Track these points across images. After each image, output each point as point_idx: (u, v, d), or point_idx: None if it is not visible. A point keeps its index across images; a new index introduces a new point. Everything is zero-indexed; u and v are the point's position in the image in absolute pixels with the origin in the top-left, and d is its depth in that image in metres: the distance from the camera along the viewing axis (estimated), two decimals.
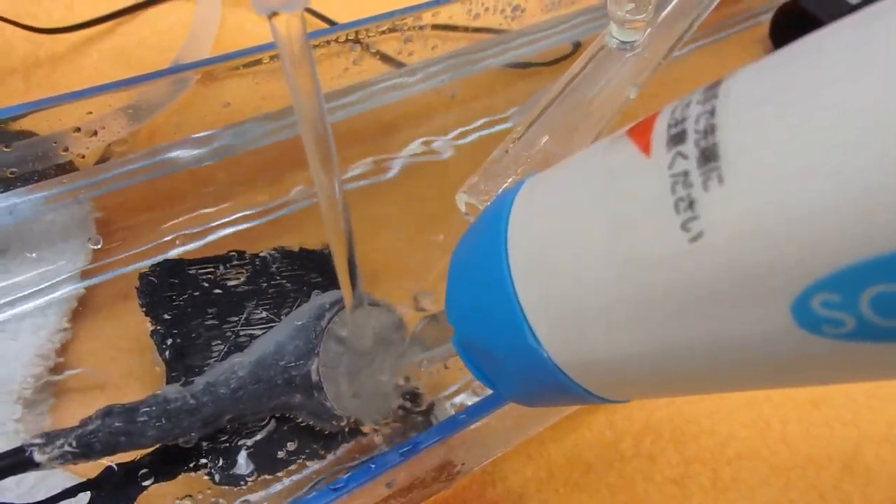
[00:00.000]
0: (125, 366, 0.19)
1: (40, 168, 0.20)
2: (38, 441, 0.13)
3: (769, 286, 0.08)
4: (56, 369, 0.19)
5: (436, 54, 0.25)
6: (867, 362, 0.08)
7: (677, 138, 0.09)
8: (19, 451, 0.13)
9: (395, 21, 0.22)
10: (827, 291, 0.08)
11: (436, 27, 0.24)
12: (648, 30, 0.20)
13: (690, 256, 0.09)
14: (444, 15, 0.24)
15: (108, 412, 0.14)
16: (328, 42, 0.22)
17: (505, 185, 0.19)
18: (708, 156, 0.09)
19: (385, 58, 0.24)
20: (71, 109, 0.20)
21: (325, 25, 0.29)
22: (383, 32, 0.23)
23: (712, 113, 0.09)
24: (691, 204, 0.09)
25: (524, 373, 0.12)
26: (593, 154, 0.11)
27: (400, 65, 0.24)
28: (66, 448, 0.13)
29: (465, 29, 0.25)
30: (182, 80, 0.25)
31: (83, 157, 0.21)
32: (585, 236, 0.10)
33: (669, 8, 0.20)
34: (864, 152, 0.07)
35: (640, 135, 0.10)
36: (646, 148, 0.10)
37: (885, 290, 0.07)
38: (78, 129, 0.20)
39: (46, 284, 0.20)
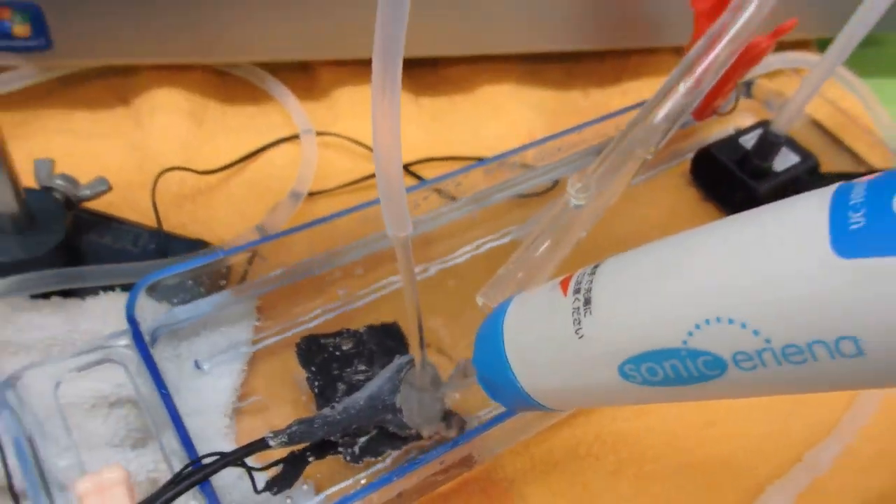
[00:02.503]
0: (279, 396, 0.32)
1: (225, 277, 0.33)
2: (270, 435, 0.26)
3: (609, 360, 0.20)
4: (241, 397, 0.32)
5: (464, 192, 0.38)
6: (654, 395, 0.20)
7: (577, 290, 0.22)
8: (262, 440, 0.26)
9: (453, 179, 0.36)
10: (628, 364, 0.20)
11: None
12: (593, 195, 0.33)
13: (578, 345, 0.21)
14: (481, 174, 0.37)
15: (299, 421, 0.26)
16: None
17: (507, 290, 0.31)
18: (587, 300, 0.21)
19: (441, 193, 0.37)
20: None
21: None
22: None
23: (591, 280, 0.21)
24: (579, 321, 0.21)
25: (511, 395, 0.24)
26: (545, 289, 0.24)
27: (452, 198, 0.38)
28: (283, 439, 0.26)
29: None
30: (294, 201, 0.39)
31: (247, 270, 0.34)
32: (536, 332, 0.23)
33: (610, 185, 0.33)
34: (644, 315, 0.19)
35: (564, 285, 0.23)
36: (565, 292, 0.22)
37: (650, 366, 0.20)
38: (253, 256, 0.33)
39: (232, 347, 0.33)
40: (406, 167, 0.42)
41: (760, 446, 0.35)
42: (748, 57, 0.40)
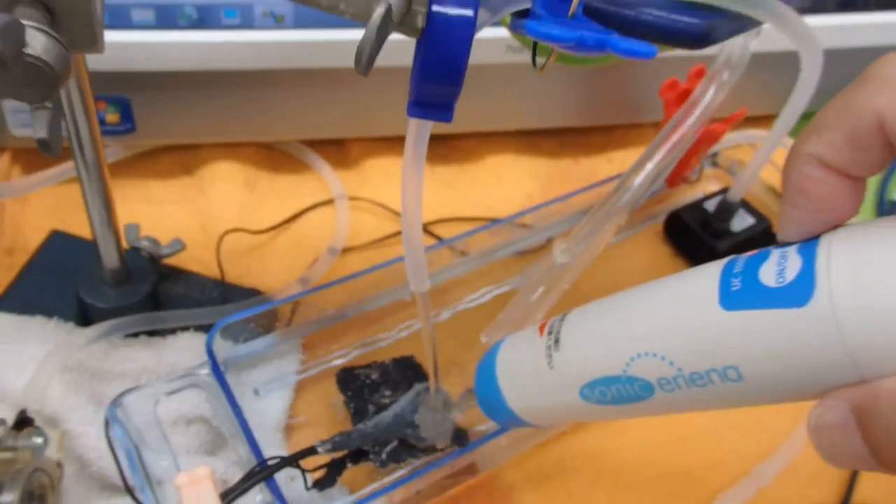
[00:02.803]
0: (321, 415, 0.40)
1: (276, 321, 0.41)
2: (318, 444, 0.34)
3: (571, 385, 0.27)
4: (290, 417, 0.40)
5: (472, 249, 0.46)
6: (607, 411, 0.28)
7: (550, 332, 0.29)
8: (312, 448, 0.33)
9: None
10: (586, 388, 0.28)
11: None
12: (576, 254, 0.41)
13: (550, 375, 0.28)
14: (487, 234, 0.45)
15: (340, 434, 0.34)
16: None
17: (505, 331, 0.39)
18: (556, 340, 0.28)
19: (453, 250, 0.45)
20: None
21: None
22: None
23: (561, 325, 0.29)
24: (550, 356, 0.28)
25: (502, 414, 0.31)
26: (528, 331, 0.31)
27: (463, 254, 0.46)
28: (328, 446, 0.33)
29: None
30: (331, 256, 0.47)
31: (293, 314, 0.42)
32: (520, 364, 0.30)
33: (591, 245, 0.41)
34: (596, 351, 0.27)
35: (541, 328, 0.30)
36: (541, 333, 0.30)
37: (601, 389, 0.27)
38: (297, 304, 0.41)
39: (282, 376, 0.41)
40: (424, 227, 0.51)
41: (720, 460, 0.42)
42: (708, 138, 0.48)
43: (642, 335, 0.25)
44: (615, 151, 0.59)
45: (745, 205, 0.51)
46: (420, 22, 0.23)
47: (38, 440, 0.32)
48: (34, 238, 0.47)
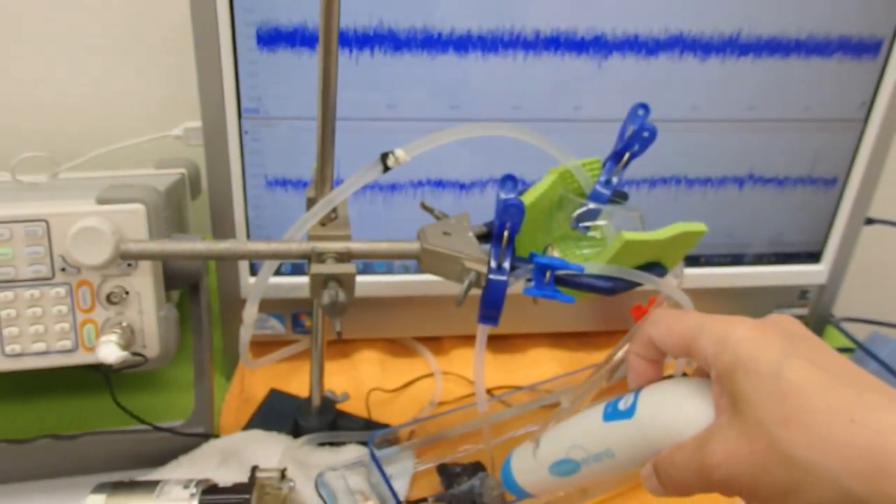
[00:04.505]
0: (427, 492, 0.70)
1: (400, 439, 0.72)
2: (430, 497, 0.63)
3: (544, 466, 0.48)
4: (409, 493, 0.69)
5: (514, 402, 0.77)
6: (567, 480, 0.48)
7: (536, 442, 0.59)
8: (424, 499, 0.63)
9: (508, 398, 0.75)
10: (552, 467, 0.52)
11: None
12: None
13: (534, 461, 0.50)
14: (523, 394, 0.76)
15: (439, 494, 0.64)
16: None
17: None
18: (538, 443, 0.58)
19: (503, 403, 0.76)
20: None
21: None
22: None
23: (540, 438, 0.58)
24: (535, 452, 0.51)
25: (516, 489, 0.58)
26: (525, 443, 0.61)
27: (508, 406, 0.76)
28: (434, 498, 0.63)
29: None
30: (431, 406, 0.79)
31: (411, 435, 0.73)
32: (521, 459, 0.58)
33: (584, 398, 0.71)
34: (556, 447, 0.56)
35: (532, 440, 0.60)
36: (532, 443, 0.58)
37: (559, 467, 0.51)
38: (412, 431, 0.73)
39: (405, 469, 0.71)
40: (487, 391, 0.82)
41: None
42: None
43: (572, 436, 0.47)
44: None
45: None
46: (483, 283, 0.57)
47: (290, 484, 0.63)
48: (259, 392, 0.81)
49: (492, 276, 0.53)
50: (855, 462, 0.30)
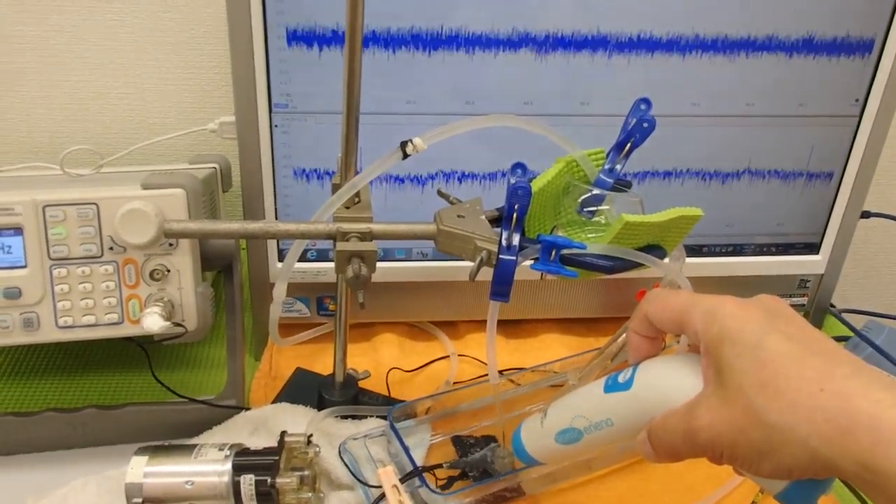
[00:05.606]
0: (441, 457, 0.75)
1: (418, 412, 0.77)
2: (446, 462, 0.68)
3: (550, 434, 0.53)
4: (425, 461, 0.74)
5: (524, 382, 0.82)
6: (571, 448, 0.52)
7: (543, 411, 0.63)
8: (439, 464, 0.68)
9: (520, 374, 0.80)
10: (558, 435, 0.59)
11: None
12: (580, 381, 0.76)
13: (541, 430, 0.55)
14: (532, 374, 0.81)
15: (456, 461, 0.69)
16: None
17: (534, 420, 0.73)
18: (545, 413, 0.62)
19: (513, 382, 0.81)
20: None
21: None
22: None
23: (548, 407, 0.63)
24: (542, 421, 0.60)
25: (525, 456, 0.63)
26: (534, 414, 0.66)
27: (518, 385, 0.81)
28: (448, 464, 0.68)
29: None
30: (447, 386, 0.84)
31: (428, 410, 0.78)
32: (529, 427, 0.63)
33: (589, 377, 0.76)
34: (560, 417, 0.62)
35: (541, 410, 0.65)
36: (540, 412, 0.65)
37: (564, 435, 0.55)
38: (429, 407, 0.78)
39: (422, 440, 0.76)
40: (500, 371, 0.87)
41: None
42: None
43: (576, 406, 0.52)
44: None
45: None
46: (494, 262, 0.62)
47: (316, 448, 0.68)
48: (286, 371, 0.86)
49: (502, 255, 0.58)
50: (822, 425, 0.33)
